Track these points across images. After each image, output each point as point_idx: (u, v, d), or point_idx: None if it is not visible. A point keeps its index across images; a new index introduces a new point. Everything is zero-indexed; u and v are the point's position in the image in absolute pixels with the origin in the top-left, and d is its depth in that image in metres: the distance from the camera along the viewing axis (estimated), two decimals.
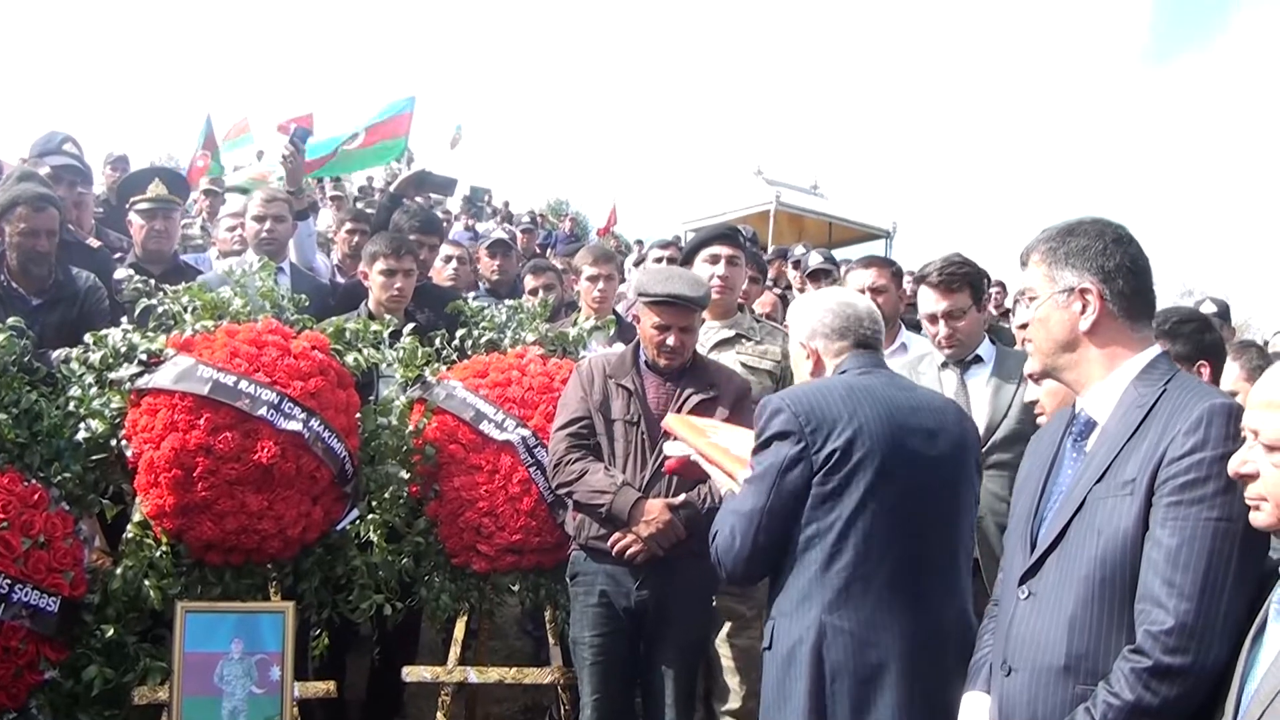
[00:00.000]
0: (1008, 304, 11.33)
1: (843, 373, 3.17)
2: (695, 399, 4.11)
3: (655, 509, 3.95)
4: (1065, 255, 2.53)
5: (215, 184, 11.18)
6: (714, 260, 4.84)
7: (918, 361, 4.71)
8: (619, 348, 4.82)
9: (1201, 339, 3.87)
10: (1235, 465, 2.16)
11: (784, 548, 3.02)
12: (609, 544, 4.00)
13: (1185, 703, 2.18)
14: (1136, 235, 2.56)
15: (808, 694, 2.86)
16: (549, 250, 16.99)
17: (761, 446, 3.03)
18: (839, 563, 2.90)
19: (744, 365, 4.70)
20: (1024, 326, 2.70)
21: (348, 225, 7.60)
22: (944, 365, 4.55)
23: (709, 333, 4.77)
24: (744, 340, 4.83)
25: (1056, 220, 2.63)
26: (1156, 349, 2.51)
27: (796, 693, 2.88)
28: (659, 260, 6.58)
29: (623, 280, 7.66)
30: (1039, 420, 3.46)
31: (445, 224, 10.29)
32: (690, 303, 4.07)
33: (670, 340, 4.09)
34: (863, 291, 4.98)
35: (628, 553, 3.96)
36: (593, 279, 5.84)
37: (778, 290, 9.26)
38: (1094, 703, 2.27)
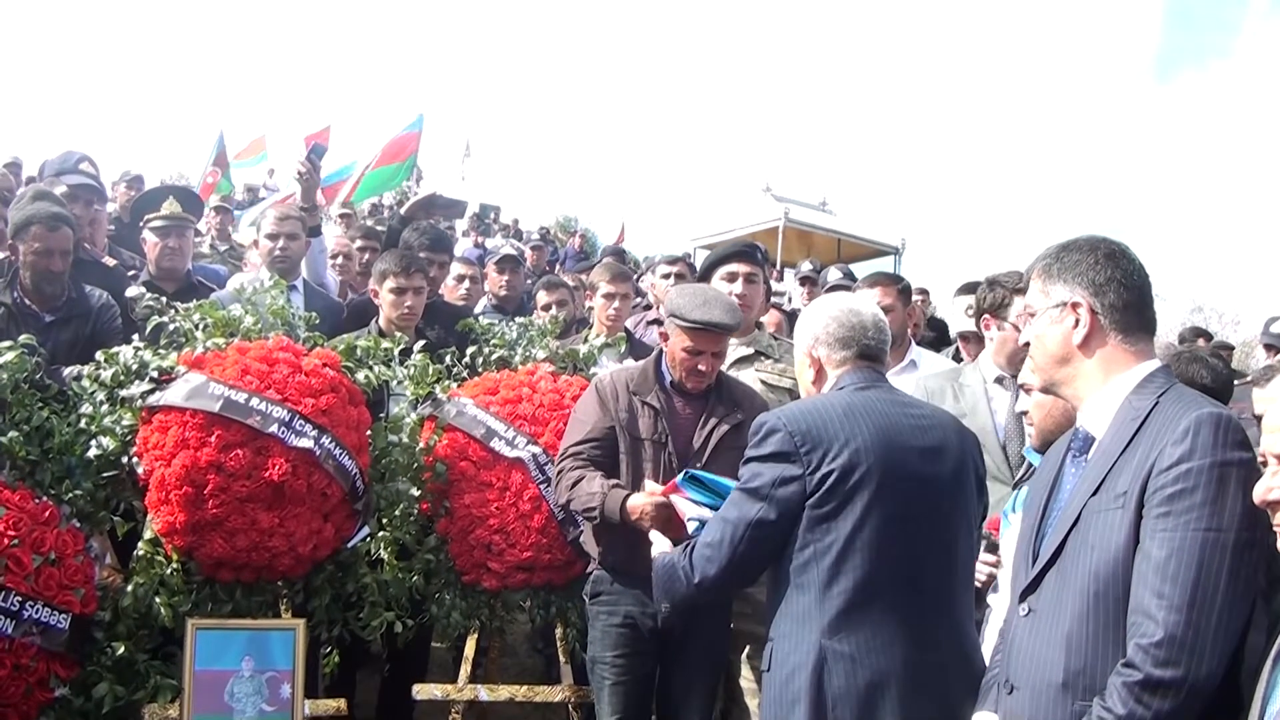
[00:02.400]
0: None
1: (841, 388, 3.12)
2: (722, 428, 4.06)
3: (637, 507, 3.77)
4: (1058, 271, 2.55)
5: (226, 201, 11.26)
6: (731, 278, 4.81)
7: (957, 374, 4.62)
8: (629, 364, 4.80)
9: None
10: (1261, 494, 2.14)
11: (761, 568, 3.03)
12: (632, 514, 3.80)
13: (1180, 716, 2.17)
14: (1141, 252, 2.58)
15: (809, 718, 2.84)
16: (558, 266, 17.01)
17: (755, 461, 3.00)
18: (838, 585, 2.87)
19: (764, 383, 4.67)
20: (1028, 345, 2.69)
21: (358, 242, 7.64)
22: (999, 380, 4.44)
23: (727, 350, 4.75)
24: (763, 358, 4.80)
25: (1063, 236, 2.64)
26: (1154, 363, 2.51)
27: (797, 716, 2.86)
28: (666, 277, 6.57)
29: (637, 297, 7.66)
30: (1028, 430, 3.45)
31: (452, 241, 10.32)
32: (728, 330, 4.03)
33: (702, 366, 4.03)
34: None
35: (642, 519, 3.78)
36: (608, 297, 5.84)
37: (789, 308, 9.24)
38: (1089, 718, 2.26)
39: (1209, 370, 4.17)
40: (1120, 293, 2.49)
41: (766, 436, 2.98)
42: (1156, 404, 2.39)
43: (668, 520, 3.66)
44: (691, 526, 3.40)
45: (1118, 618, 2.29)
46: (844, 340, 3.18)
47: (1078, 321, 2.50)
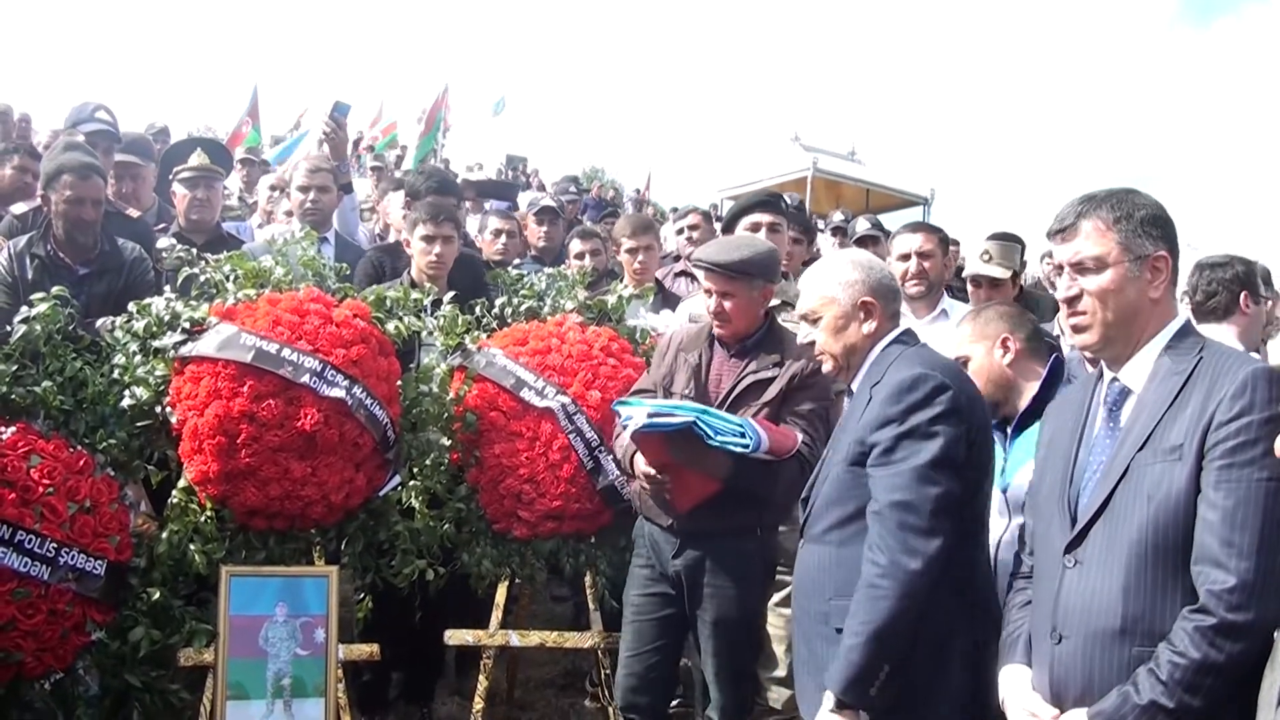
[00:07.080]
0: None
1: (905, 344, 3.07)
2: (745, 380, 3.97)
3: (635, 483, 4.01)
4: (1140, 223, 2.52)
5: (252, 153, 11.27)
6: (755, 228, 4.79)
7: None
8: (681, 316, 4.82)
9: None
10: None
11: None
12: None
13: (1246, 658, 2.23)
14: (1171, 200, 2.71)
15: (963, 678, 2.84)
16: (582, 218, 16.94)
17: (931, 423, 2.79)
18: (963, 546, 2.84)
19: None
20: (1073, 299, 2.58)
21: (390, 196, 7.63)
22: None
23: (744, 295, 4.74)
24: (789, 308, 4.73)
25: (1090, 185, 2.62)
26: (1181, 318, 2.55)
27: (947, 676, 2.83)
28: (679, 232, 6.61)
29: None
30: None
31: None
32: (718, 267, 3.90)
33: (712, 304, 3.97)
34: (910, 256, 4.97)
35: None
36: (631, 251, 5.83)
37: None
38: (1157, 664, 2.30)
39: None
40: (1177, 248, 2.54)
41: (937, 394, 2.80)
42: (1201, 359, 2.43)
43: (662, 484, 3.88)
44: (631, 424, 3.68)
45: (1177, 565, 2.35)
46: (895, 293, 3.18)
47: (1159, 276, 2.51)
